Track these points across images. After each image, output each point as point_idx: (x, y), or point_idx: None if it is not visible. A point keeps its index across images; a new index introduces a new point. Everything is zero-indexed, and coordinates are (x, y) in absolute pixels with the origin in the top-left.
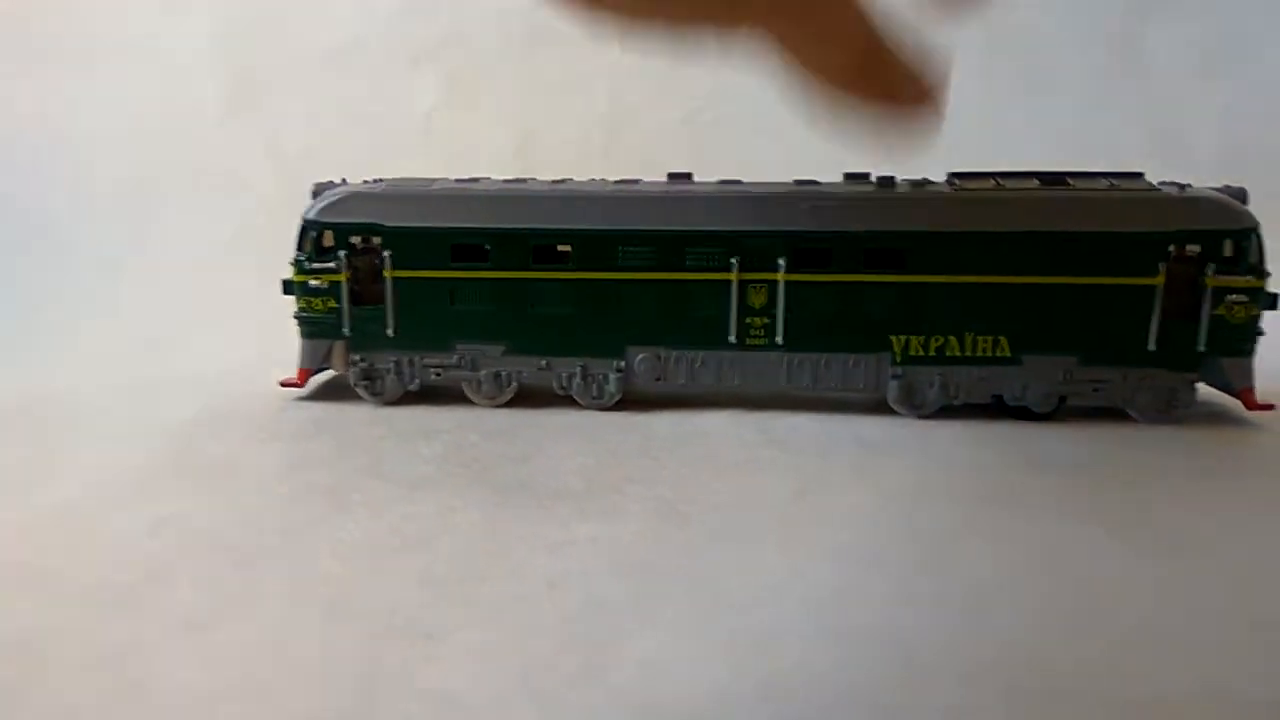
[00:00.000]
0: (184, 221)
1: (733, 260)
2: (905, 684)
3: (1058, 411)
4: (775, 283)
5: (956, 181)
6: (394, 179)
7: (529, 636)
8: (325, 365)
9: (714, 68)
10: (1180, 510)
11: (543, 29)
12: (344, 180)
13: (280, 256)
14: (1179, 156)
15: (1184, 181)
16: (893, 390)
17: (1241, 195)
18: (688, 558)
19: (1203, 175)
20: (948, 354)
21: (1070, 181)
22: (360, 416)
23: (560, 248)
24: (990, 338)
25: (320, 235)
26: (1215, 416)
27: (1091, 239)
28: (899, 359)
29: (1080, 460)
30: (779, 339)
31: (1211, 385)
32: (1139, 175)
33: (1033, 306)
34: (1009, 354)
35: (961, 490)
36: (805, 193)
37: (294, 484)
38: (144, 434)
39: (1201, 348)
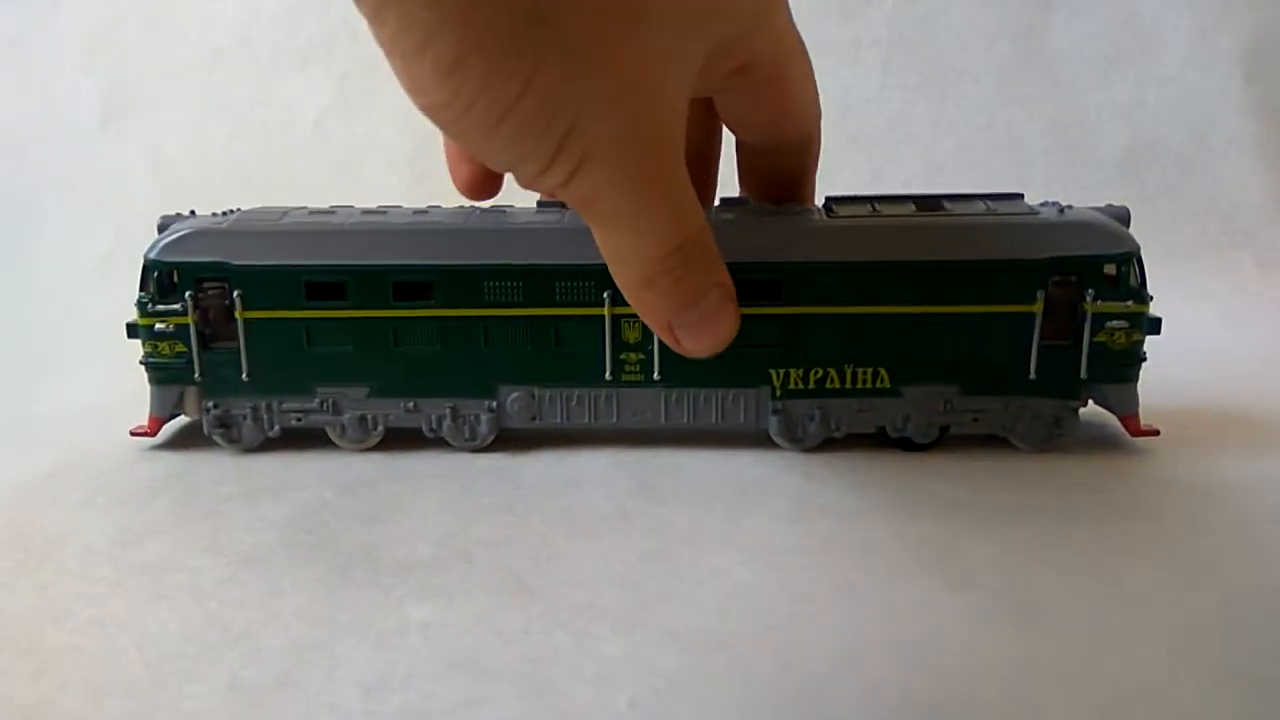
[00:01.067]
0: (58, 239)
1: (605, 295)
2: None
3: (940, 440)
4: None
5: (834, 208)
6: (247, 210)
7: None
8: (178, 412)
9: None
10: (1045, 566)
11: None
12: (192, 212)
13: None
14: (1083, 150)
15: (1067, 198)
16: (773, 425)
17: (1124, 216)
18: (524, 647)
19: (1107, 169)
20: (827, 387)
21: (946, 205)
22: (210, 471)
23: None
24: (870, 369)
25: (164, 275)
26: (1099, 443)
27: (968, 267)
28: (778, 393)
29: (954, 500)
30: (656, 375)
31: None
32: (1018, 196)
33: (911, 337)
34: (889, 385)
35: (828, 543)
36: None
37: (120, 563)
38: None
39: (1083, 375)
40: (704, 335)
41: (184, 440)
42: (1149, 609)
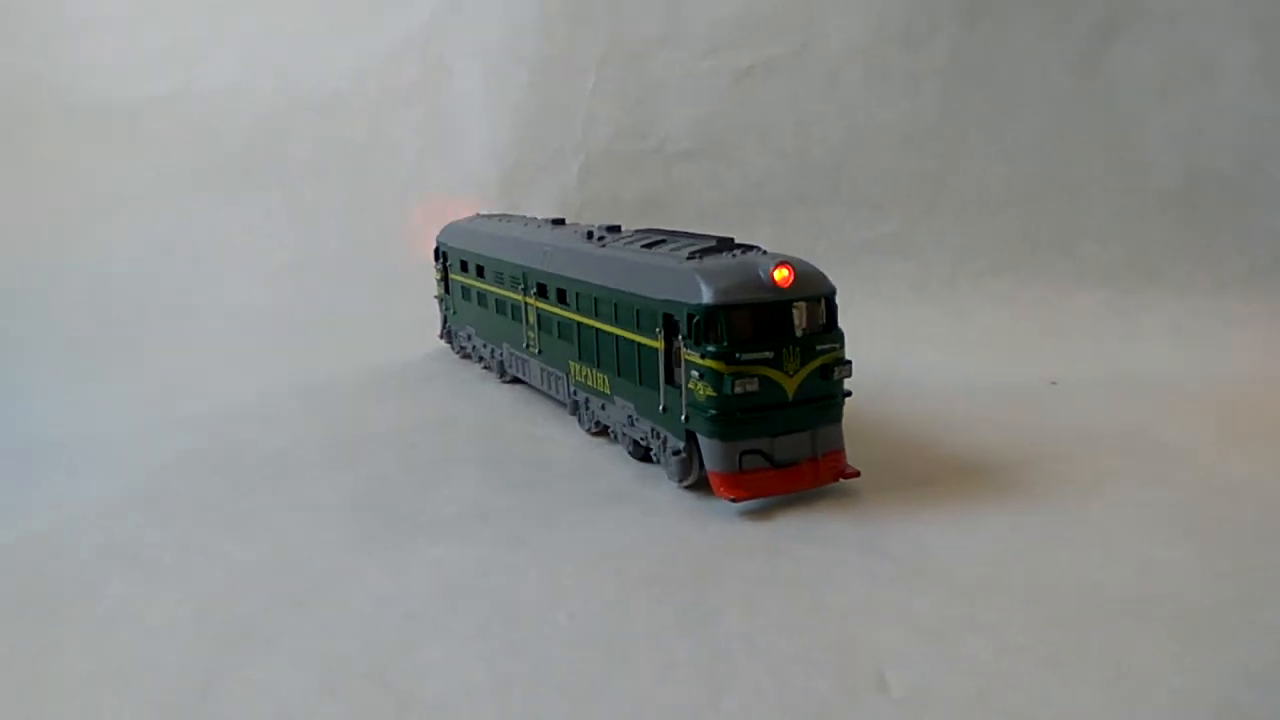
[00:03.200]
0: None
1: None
2: None
3: (646, 457)
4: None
5: (605, 235)
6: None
7: None
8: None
9: None
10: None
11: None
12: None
13: None
14: (1137, 179)
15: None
16: (570, 404)
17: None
18: (504, 578)
19: (1162, 199)
20: (588, 383)
21: (665, 242)
22: (302, 448)
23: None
24: (602, 375)
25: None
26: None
27: (622, 298)
28: (574, 380)
29: (607, 549)
30: (537, 350)
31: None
32: (728, 240)
33: (614, 353)
34: (608, 392)
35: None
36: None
37: (224, 513)
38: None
39: (683, 418)
40: None
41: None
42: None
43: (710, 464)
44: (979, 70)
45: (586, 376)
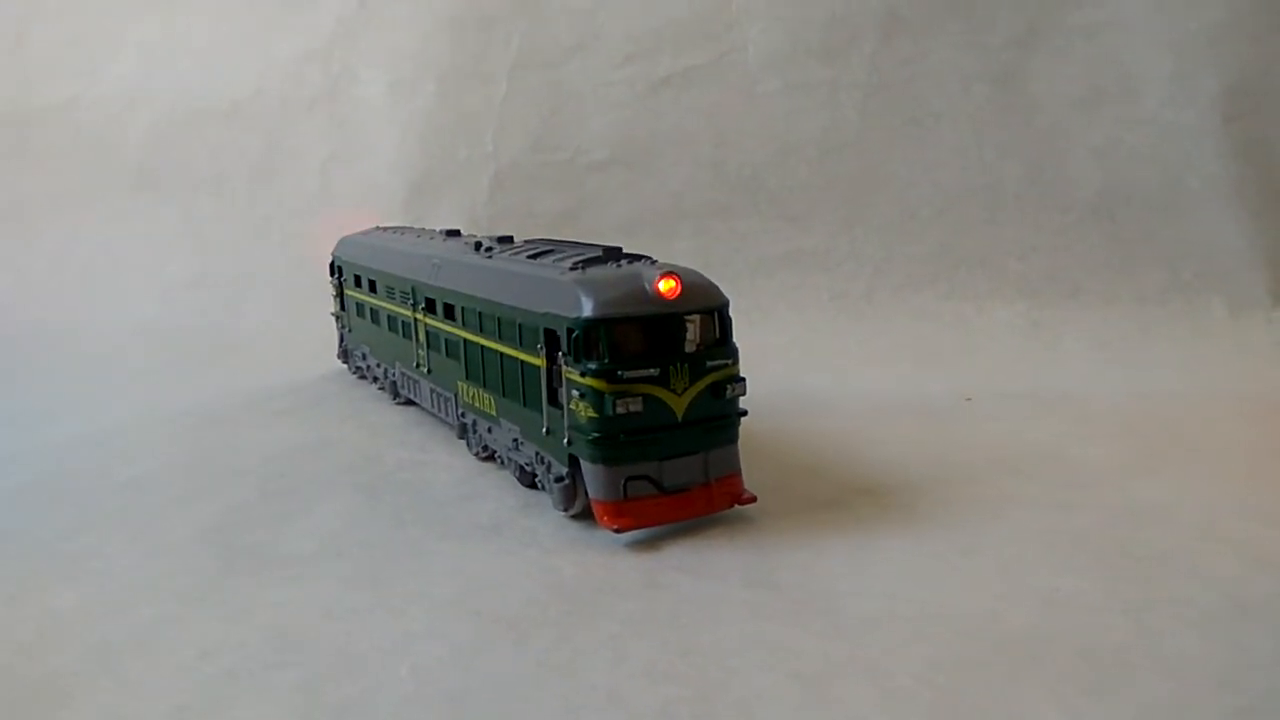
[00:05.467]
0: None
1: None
2: None
3: (534, 483)
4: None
5: (495, 246)
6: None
7: None
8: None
9: None
10: None
11: (433, 66)
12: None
13: None
14: (1058, 193)
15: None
16: (458, 426)
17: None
18: (346, 624)
19: (1081, 212)
20: (475, 404)
21: (552, 253)
22: (163, 479)
23: None
24: (488, 396)
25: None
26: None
27: (505, 312)
28: (462, 401)
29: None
30: (428, 370)
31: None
32: (615, 250)
33: (496, 371)
34: (494, 413)
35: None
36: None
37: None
38: None
39: (565, 441)
40: None
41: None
42: None
43: (593, 491)
44: (898, 84)
45: (474, 397)
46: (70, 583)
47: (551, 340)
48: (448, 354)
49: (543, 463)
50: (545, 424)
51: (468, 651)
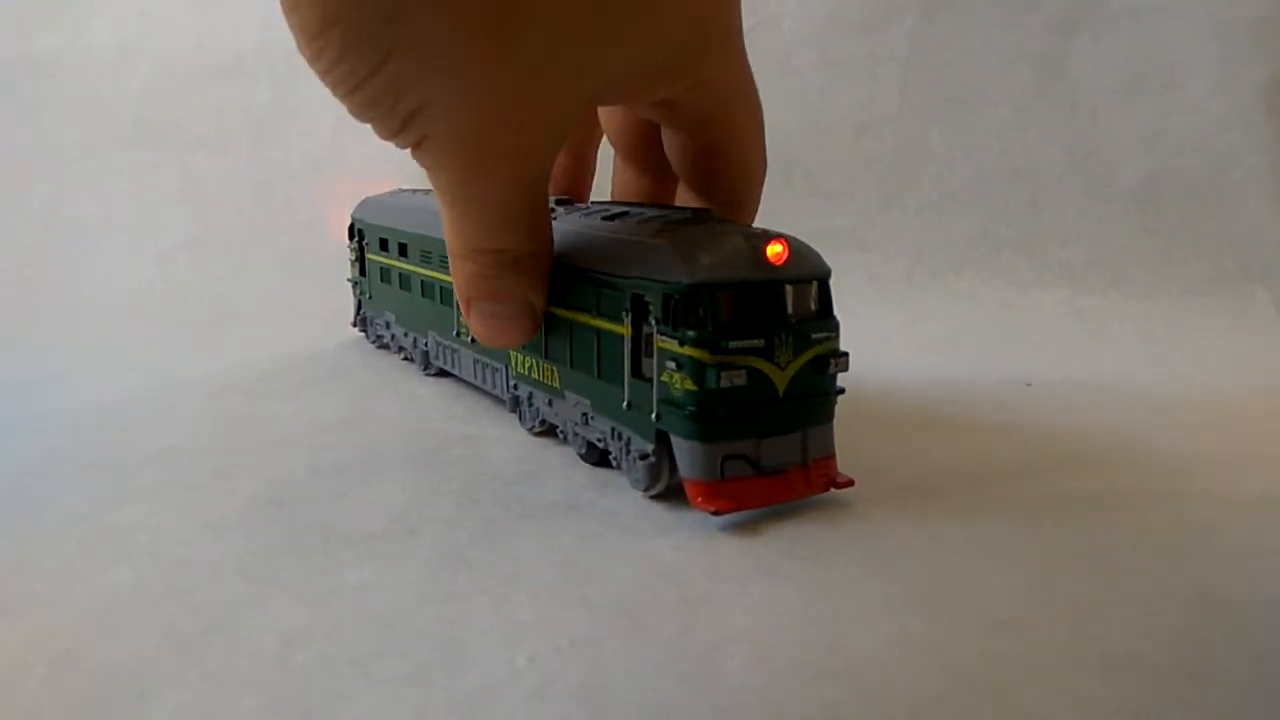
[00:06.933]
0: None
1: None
2: None
3: (603, 460)
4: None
5: (555, 209)
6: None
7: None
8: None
9: None
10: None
11: None
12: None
13: None
14: (1100, 179)
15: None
16: (509, 401)
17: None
18: (444, 608)
19: (1124, 200)
20: (533, 375)
21: (629, 215)
22: (196, 447)
23: None
24: (550, 367)
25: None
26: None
27: (585, 277)
28: (515, 372)
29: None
30: (470, 338)
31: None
32: (706, 211)
33: (566, 341)
34: (557, 386)
35: (758, 530)
36: None
37: (97, 524)
38: None
39: (654, 417)
40: (489, 328)
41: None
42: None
43: (687, 471)
44: (939, 62)
45: (532, 368)
46: (119, 562)
47: (638, 308)
48: None
49: (619, 439)
50: (626, 398)
51: (589, 642)
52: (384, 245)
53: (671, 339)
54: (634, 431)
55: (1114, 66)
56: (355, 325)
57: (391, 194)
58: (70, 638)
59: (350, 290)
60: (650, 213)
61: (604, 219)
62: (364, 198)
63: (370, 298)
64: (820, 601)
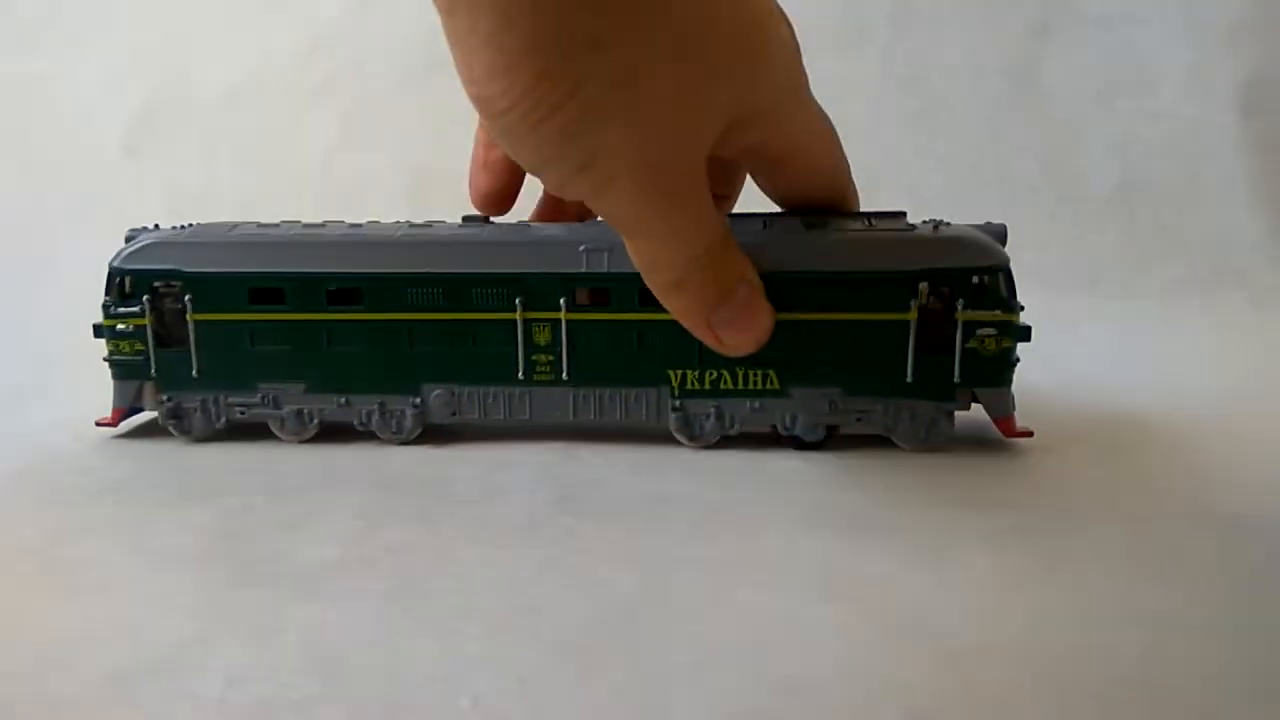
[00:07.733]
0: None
1: (517, 300)
2: None
3: (829, 439)
4: (559, 321)
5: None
6: (203, 224)
7: None
8: (138, 405)
9: None
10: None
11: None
12: (156, 226)
13: None
14: (1074, 186)
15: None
16: (673, 421)
17: (1000, 233)
18: (390, 647)
19: (1097, 206)
20: (722, 387)
21: (830, 222)
22: (160, 462)
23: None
24: (761, 372)
25: (125, 281)
26: (977, 444)
27: (850, 278)
28: (677, 392)
29: (850, 510)
30: (564, 375)
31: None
32: (901, 214)
33: (799, 342)
34: (778, 387)
35: (726, 558)
36: (581, 238)
37: (46, 558)
38: None
39: (957, 379)
40: (741, 329)
41: (141, 444)
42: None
43: (1002, 410)
44: (910, 76)
45: (719, 379)
46: (69, 599)
47: (936, 292)
48: (640, 345)
49: (889, 413)
50: (910, 373)
51: (535, 680)
52: (276, 297)
53: (985, 311)
54: (919, 399)
55: (1086, 73)
56: (115, 420)
57: (244, 229)
58: (6, 684)
59: (108, 373)
60: (846, 219)
61: (812, 228)
62: (146, 240)
63: (211, 371)
64: (779, 635)
